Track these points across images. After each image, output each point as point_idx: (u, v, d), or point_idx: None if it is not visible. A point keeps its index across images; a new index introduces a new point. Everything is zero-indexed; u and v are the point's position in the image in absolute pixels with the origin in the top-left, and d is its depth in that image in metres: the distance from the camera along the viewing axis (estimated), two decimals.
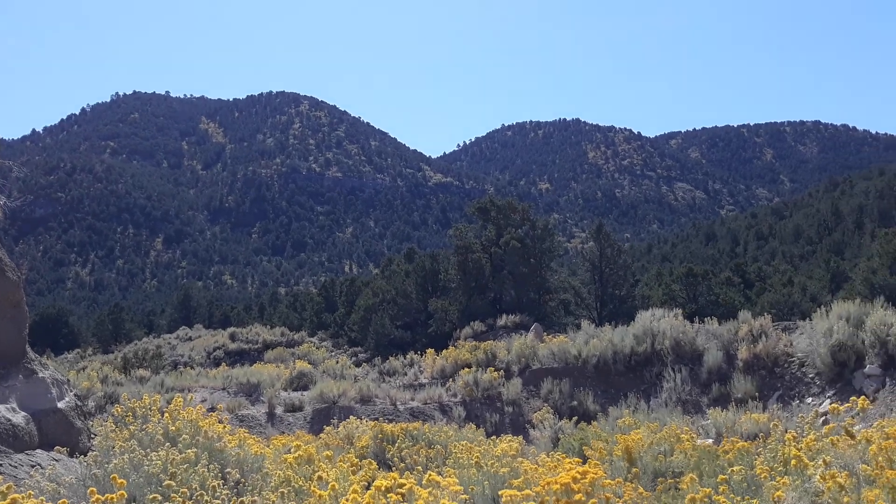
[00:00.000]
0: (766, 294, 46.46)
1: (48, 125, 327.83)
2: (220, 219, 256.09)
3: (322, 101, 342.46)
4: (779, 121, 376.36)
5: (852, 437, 6.21)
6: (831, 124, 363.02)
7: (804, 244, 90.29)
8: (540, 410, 19.94)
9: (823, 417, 13.73)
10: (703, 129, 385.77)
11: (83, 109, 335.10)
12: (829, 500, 5.73)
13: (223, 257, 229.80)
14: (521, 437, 15.85)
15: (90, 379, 25.53)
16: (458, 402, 21.56)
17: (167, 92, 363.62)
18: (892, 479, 4.99)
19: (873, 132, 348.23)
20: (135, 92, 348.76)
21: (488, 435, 16.35)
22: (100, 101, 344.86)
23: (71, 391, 10.20)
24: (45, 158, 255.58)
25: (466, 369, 23.04)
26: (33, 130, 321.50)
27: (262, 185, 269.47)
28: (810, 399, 17.04)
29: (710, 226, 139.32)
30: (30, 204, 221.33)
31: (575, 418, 18.08)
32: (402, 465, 11.55)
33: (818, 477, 5.91)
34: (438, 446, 12.40)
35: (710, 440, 13.73)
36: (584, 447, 12.59)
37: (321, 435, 15.68)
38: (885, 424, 6.52)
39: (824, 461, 5.92)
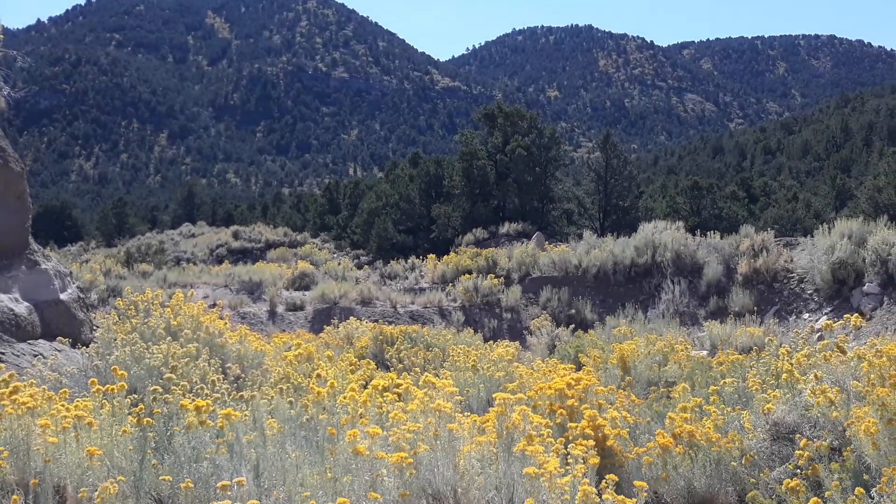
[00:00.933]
0: (770, 209, 46.48)
1: (53, 15, 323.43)
2: (225, 116, 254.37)
3: None
4: (793, 34, 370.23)
5: (844, 353, 6.28)
6: (846, 39, 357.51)
7: (811, 160, 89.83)
8: (538, 318, 20.14)
9: (819, 333, 13.87)
10: (717, 39, 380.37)
11: (89, 0, 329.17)
12: (818, 415, 5.82)
13: (227, 155, 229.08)
14: (518, 343, 16.05)
15: (93, 272, 25.70)
16: (457, 307, 21.74)
17: None
18: (882, 397, 5.06)
19: (888, 49, 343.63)
20: None
21: (486, 340, 16.54)
22: None
23: (74, 283, 10.27)
24: (49, 49, 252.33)
25: (467, 275, 23.17)
26: (38, 20, 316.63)
27: (268, 83, 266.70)
28: (807, 315, 17.18)
29: (717, 139, 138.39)
30: (34, 95, 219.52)
31: (572, 326, 18.27)
32: (401, 366, 11.71)
33: (808, 391, 5.99)
34: (437, 349, 12.55)
35: (706, 352, 13.90)
36: (579, 355, 12.76)
37: (321, 334, 15.86)
38: (878, 342, 6.58)
39: (816, 376, 5.99)
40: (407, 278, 27.54)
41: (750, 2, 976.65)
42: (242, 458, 4.94)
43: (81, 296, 10.31)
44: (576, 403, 6.41)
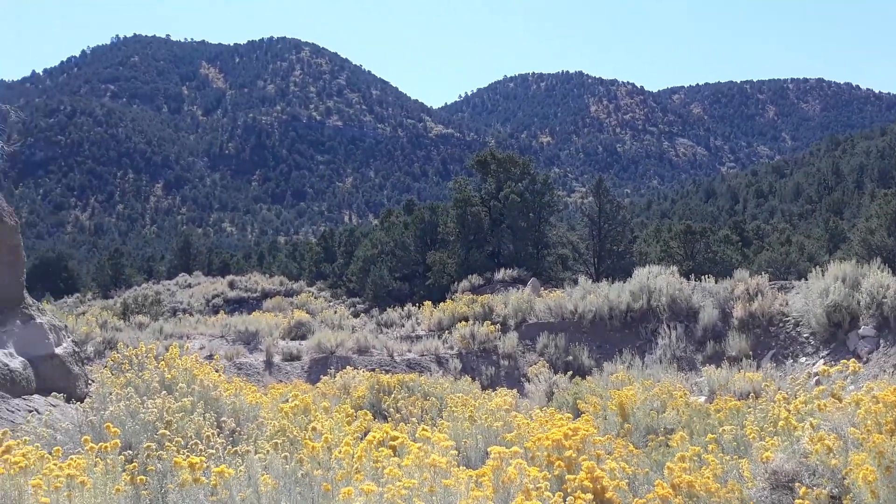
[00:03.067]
0: (764, 253, 46.57)
1: (48, 67, 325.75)
2: (220, 165, 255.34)
3: (323, 48, 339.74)
4: (782, 77, 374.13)
5: (840, 400, 6.26)
6: (835, 82, 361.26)
7: (804, 203, 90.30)
8: (535, 364, 20.08)
9: (816, 378, 13.83)
10: (707, 84, 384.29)
11: (83, 52, 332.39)
12: (817, 462, 5.79)
13: (223, 204, 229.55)
14: (515, 391, 15.99)
15: (89, 324, 25.62)
16: (454, 355, 21.69)
17: (168, 35, 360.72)
18: (879, 444, 5.04)
19: (876, 91, 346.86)
20: (135, 35, 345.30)
21: (484, 387, 16.48)
22: (100, 44, 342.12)
23: (69, 337, 10.25)
24: (45, 101, 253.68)
25: (463, 322, 23.15)
26: (33, 72, 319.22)
27: (263, 132, 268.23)
28: (804, 358, 17.14)
29: (710, 183, 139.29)
30: (30, 147, 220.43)
31: (570, 373, 18.20)
32: (398, 415, 11.64)
33: (806, 439, 5.97)
34: (434, 398, 12.48)
35: (703, 398, 13.85)
36: (578, 402, 12.69)
37: (318, 385, 15.78)
38: (875, 387, 6.56)
39: (812, 424, 5.97)
40: (403, 326, 27.50)
41: (738, 47, 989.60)
42: None
43: (76, 350, 10.27)
44: (574, 454, 6.37)
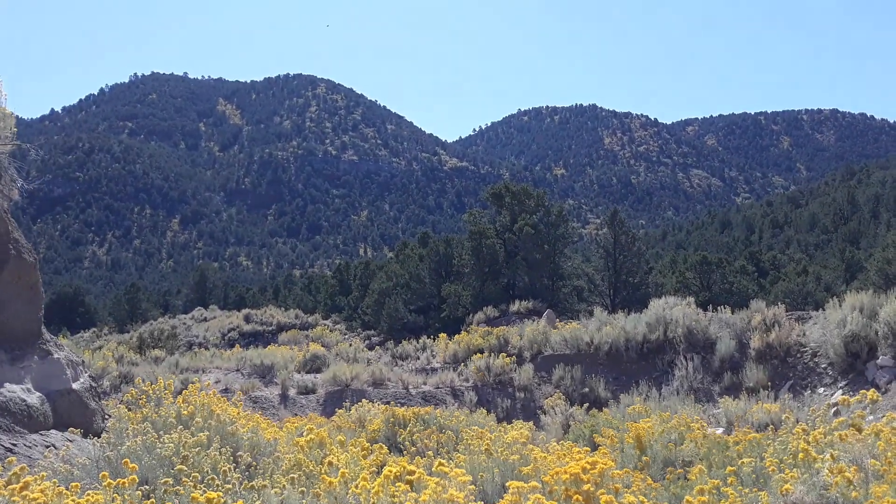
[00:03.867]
0: (780, 283, 46.32)
1: (67, 105, 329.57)
2: (237, 200, 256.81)
3: (339, 84, 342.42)
4: (796, 108, 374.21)
5: (860, 431, 6.21)
6: (849, 113, 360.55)
7: (819, 233, 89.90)
8: (551, 396, 19.98)
9: (835, 408, 13.71)
10: (720, 116, 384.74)
11: (101, 90, 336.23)
12: (837, 495, 5.74)
13: (239, 239, 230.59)
14: (531, 423, 15.88)
15: (105, 359, 25.72)
16: (469, 387, 21.61)
17: (185, 73, 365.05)
18: None
19: (891, 121, 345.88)
20: (153, 73, 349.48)
21: (499, 420, 16.39)
22: (118, 82, 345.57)
23: (86, 372, 10.28)
24: (63, 138, 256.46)
25: (479, 354, 23.08)
26: (52, 110, 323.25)
27: (279, 167, 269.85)
28: (822, 389, 16.99)
29: (725, 213, 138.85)
30: (48, 183, 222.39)
31: (586, 405, 18.10)
32: (414, 449, 11.60)
33: (826, 471, 5.92)
34: (450, 431, 12.44)
35: (721, 429, 13.74)
36: (594, 434, 12.62)
37: (333, 418, 15.74)
38: (892, 418, 6.51)
39: (832, 455, 5.92)
40: (418, 358, 27.44)
41: (752, 78, 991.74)
42: None
43: (93, 384, 10.30)
44: (592, 488, 6.33)
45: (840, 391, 16.18)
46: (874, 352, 16.52)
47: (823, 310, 19.60)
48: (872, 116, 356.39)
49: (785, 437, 8.03)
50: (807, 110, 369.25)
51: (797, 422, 10.10)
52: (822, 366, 17.70)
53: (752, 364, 18.75)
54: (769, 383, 17.68)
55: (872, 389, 7.46)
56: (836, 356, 17.19)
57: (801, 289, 43.43)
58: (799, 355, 18.52)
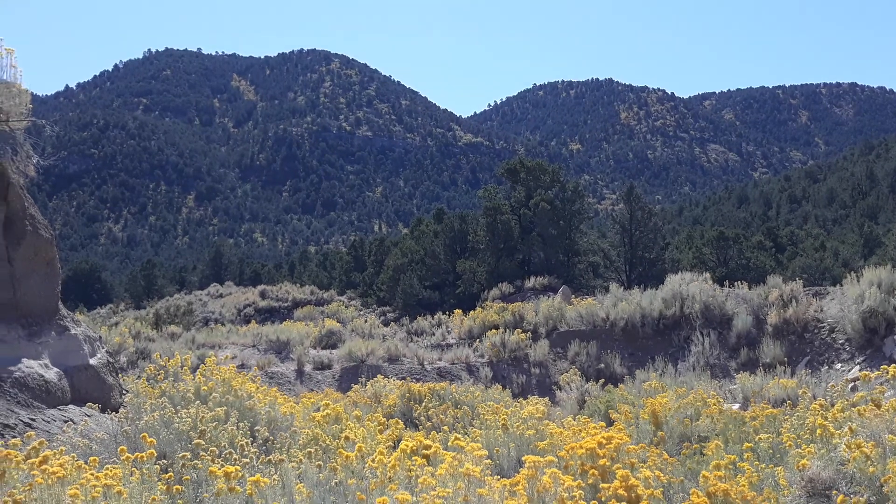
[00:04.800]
0: (798, 258, 46.10)
1: (81, 81, 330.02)
2: (251, 177, 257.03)
3: (353, 60, 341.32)
4: (814, 82, 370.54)
5: (879, 406, 6.16)
6: (868, 86, 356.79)
7: (837, 208, 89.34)
8: (567, 372, 20.00)
9: (853, 384, 13.66)
10: (738, 90, 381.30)
11: (116, 66, 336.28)
12: (854, 470, 5.71)
13: (254, 215, 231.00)
14: (547, 399, 15.93)
15: (122, 335, 25.88)
16: (484, 363, 21.65)
17: (199, 49, 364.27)
18: None
19: None
20: (167, 49, 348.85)
21: (514, 396, 16.42)
22: (132, 58, 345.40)
23: (103, 347, 10.34)
24: (78, 115, 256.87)
25: (494, 330, 23.10)
26: (67, 87, 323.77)
27: (293, 143, 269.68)
28: (839, 365, 16.93)
29: (742, 188, 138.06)
30: (63, 160, 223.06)
31: (602, 381, 18.11)
32: (429, 424, 11.63)
33: (843, 446, 5.89)
34: (465, 407, 12.47)
35: (738, 405, 13.72)
36: (609, 410, 12.61)
37: (349, 393, 15.81)
38: None
39: (850, 429, 5.89)
40: (433, 334, 27.49)
41: (770, 52, 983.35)
42: None
43: (111, 360, 10.36)
44: (608, 463, 6.32)
45: (857, 367, 16.11)
46: (892, 327, 16.45)
47: (841, 285, 19.52)
48: (892, 90, 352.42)
49: (802, 413, 8.00)
50: (825, 84, 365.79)
51: (814, 398, 10.06)
52: (840, 341, 17.64)
53: (768, 340, 18.70)
54: (786, 359, 17.63)
55: (894, 365, 7.40)
56: (853, 332, 17.12)
57: (819, 264, 43.21)
58: (816, 331, 18.46)
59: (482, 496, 4.78)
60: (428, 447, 5.76)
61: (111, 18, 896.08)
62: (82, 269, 73.32)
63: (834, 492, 5.82)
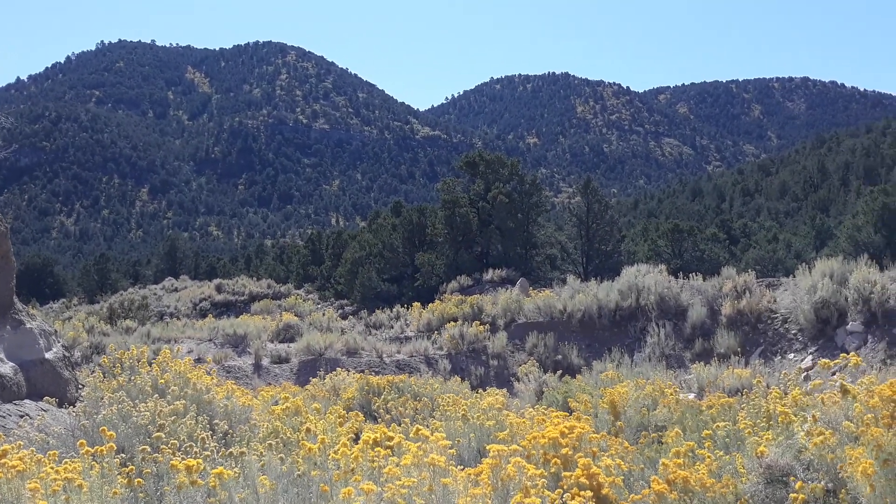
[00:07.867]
0: (751, 250, 46.80)
1: (33, 73, 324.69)
2: (206, 169, 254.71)
3: (309, 52, 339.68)
4: (767, 77, 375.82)
5: (847, 392, 6.26)
6: (820, 81, 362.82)
7: (790, 201, 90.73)
8: (525, 364, 20.08)
9: (806, 373, 13.90)
10: (692, 84, 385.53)
11: (68, 58, 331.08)
12: (812, 457, 5.81)
13: (209, 208, 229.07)
14: (505, 390, 15.97)
15: (76, 329, 25.52)
16: (443, 355, 21.67)
17: (153, 41, 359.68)
18: (877, 437, 5.06)
19: (861, 89, 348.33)
20: (120, 41, 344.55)
21: (473, 388, 16.47)
22: (85, 50, 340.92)
23: (58, 342, 10.19)
24: (29, 107, 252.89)
25: (452, 323, 23.13)
26: (18, 79, 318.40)
27: (249, 136, 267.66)
28: (792, 355, 17.20)
29: (696, 182, 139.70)
30: (14, 153, 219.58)
31: (559, 372, 18.20)
32: (388, 416, 11.63)
33: (802, 433, 5.99)
34: (425, 399, 12.49)
35: (693, 395, 13.88)
36: (568, 400, 12.70)
37: (308, 386, 15.75)
38: (870, 381, 6.59)
39: (814, 417, 6.00)
40: (392, 327, 27.47)
41: (723, 46, 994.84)
42: None
43: (66, 354, 10.22)
44: (570, 452, 6.37)
45: (810, 357, 16.39)
46: (844, 318, 16.73)
47: (794, 277, 19.81)
48: (843, 84, 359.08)
49: (757, 401, 8.12)
50: (778, 78, 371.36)
51: (768, 387, 10.21)
52: (793, 332, 17.91)
53: (723, 330, 18.93)
54: (740, 349, 17.85)
55: (853, 354, 7.56)
56: (806, 322, 17.39)
57: (772, 256, 43.92)
58: (769, 321, 18.72)
59: (447, 485, 4.79)
60: (391, 438, 5.76)
61: (64, 9, 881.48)
62: (34, 264, 72.10)
63: (792, 478, 5.92)
